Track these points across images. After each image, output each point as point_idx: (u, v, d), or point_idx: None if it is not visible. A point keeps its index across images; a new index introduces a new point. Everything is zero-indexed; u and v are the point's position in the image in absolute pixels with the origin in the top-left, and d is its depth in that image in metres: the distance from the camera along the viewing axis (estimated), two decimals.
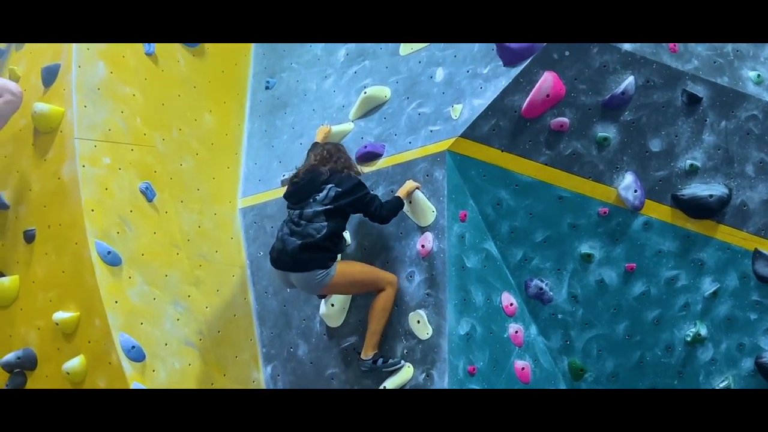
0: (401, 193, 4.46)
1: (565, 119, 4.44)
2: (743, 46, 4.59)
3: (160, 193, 4.97)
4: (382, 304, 4.36)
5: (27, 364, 4.85)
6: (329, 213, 4.25)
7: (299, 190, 4.37)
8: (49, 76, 4.92)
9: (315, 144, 4.68)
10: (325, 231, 4.22)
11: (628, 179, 4.51)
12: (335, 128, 4.95)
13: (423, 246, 4.44)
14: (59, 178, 4.73)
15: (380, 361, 4.37)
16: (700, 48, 4.52)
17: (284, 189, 4.56)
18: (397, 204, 4.42)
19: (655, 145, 4.49)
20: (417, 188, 4.47)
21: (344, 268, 4.33)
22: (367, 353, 4.38)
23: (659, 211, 4.54)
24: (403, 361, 4.38)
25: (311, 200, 4.29)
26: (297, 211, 4.32)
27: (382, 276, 4.41)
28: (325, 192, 4.29)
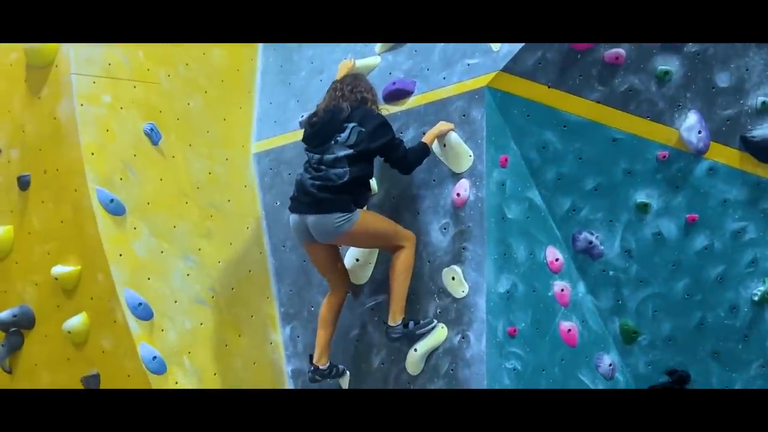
0: (428, 138, 4.21)
1: (620, 50, 4.22)
2: None
3: (166, 135, 4.83)
4: (404, 264, 4.20)
5: (24, 322, 4.84)
6: (351, 158, 4.01)
7: (319, 132, 4.13)
8: None
9: (333, 82, 4.40)
10: (347, 177, 4.00)
11: (692, 119, 4.31)
12: (359, 62, 4.68)
13: (458, 195, 4.26)
14: (55, 118, 4.63)
15: (411, 324, 4.18)
16: None
17: (302, 131, 4.31)
18: (422, 151, 4.18)
19: (723, 80, 4.27)
20: (451, 130, 4.21)
21: (367, 218, 4.13)
22: (396, 319, 4.18)
23: (726, 155, 4.35)
24: (435, 321, 4.22)
25: (332, 142, 4.05)
26: (317, 156, 4.08)
27: (401, 232, 4.23)
28: (347, 132, 4.04)
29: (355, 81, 4.22)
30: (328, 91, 4.33)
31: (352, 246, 4.35)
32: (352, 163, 4.00)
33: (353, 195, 4.05)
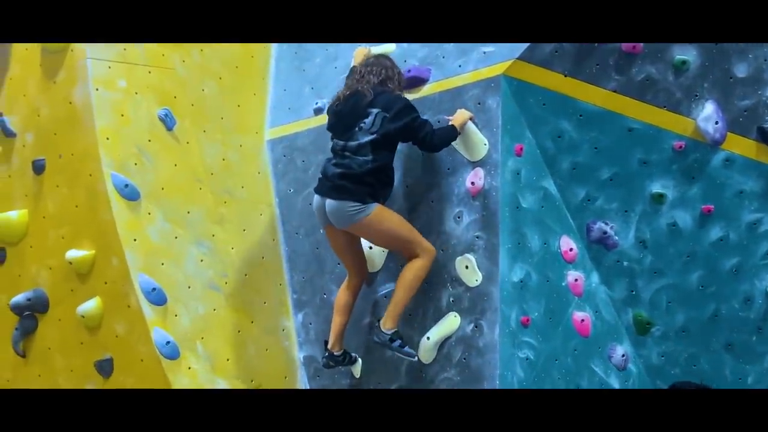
0: (456, 121, 4.15)
1: None
2: None
3: (181, 121, 4.83)
4: (414, 273, 4.11)
5: (38, 306, 4.84)
6: (375, 144, 3.96)
7: (342, 119, 4.09)
8: None
9: (353, 68, 4.36)
10: (369, 166, 3.95)
11: (709, 109, 4.26)
12: (375, 49, 4.65)
13: (473, 183, 4.23)
14: (70, 103, 4.62)
15: (397, 343, 4.13)
16: None
17: (316, 118, 4.35)
18: (450, 133, 4.12)
19: (741, 71, 4.21)
20: (470, 119, 4.19)
21: (384, 214, 4.06)
22: (387, 325, 4.13)
23: (743, 146, 4.29)
24: (416, 356, 4.21)
25: (357, 129, 4.01)
26: (341, 143, 4.05)
27: (421, 241, 4.13)
28: (372, 117, 3.99)
29: (376, 63, 4.16)
30: (348, 76, 4.29)
31: (365, 238, 4.33)
32: (376, 150, 3.95)
33: (372, 187, 3.99)
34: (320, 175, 4.16)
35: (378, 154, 3.97)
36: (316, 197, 4.16)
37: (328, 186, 4.05)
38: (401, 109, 3.99)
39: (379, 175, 4.00)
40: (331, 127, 4.18)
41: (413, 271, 4.12)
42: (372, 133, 3.97)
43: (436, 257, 4.22)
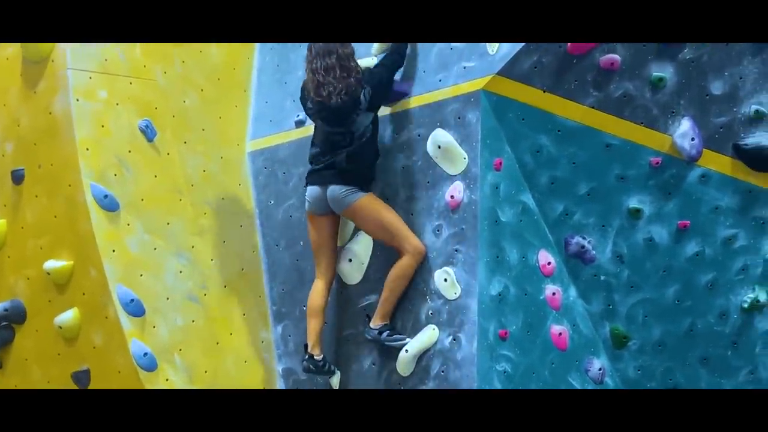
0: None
1: (616, 56, 4.26)
2: None
3: (162, 132, 4.91)
4: (401, 271, 4.30)
5: (15, 317, 4.90)
6: (374, 116, 4.36)
7: (337, 112, 4.30)
8: None
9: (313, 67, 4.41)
10: (367, 140, 4.34)
11: (685, 126, 4.35)
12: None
13: (452, 197, 4.31)
14: (50, 113, 4.70)
15: (385, 333, 4.31)
16: None
17: (297, 130, 4.49)
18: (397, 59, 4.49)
19: (717, 88, 4.31)
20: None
21: (374, 201, 4.37)
22: (376, 322, 4.34)
23: (718, 163, 4.39)
24: (407, 339, 4.33)
25: (355, 116, 4.30)
26: (341, 130, 4.33)
27: (410, 237, 4.31)
28: (364, 98, 4.31)
29: (343, 55, 4.29)
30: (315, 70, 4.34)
31: (359, 223, 4.46)
32: (373, 123, 4.32)
33: (370, 170, 4.40)
34: (315, 168, 4.35)
35: (374, 126, 4.33)
36: (314, 188, 4.36)
37: (332, 173, 4.29)
38: (371, 74, 4.35)
39: (370, 157, 4.38)
40: (326, 120, 4.34)
41: (400, 269, 4.27)
42: (367, 111, 4.28)
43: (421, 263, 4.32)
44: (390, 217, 4.33)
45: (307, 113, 4.52)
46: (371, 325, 4.32)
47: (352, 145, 4.27)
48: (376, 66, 4.37)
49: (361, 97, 4.26)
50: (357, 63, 4.33)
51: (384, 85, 4.34)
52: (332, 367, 4.49)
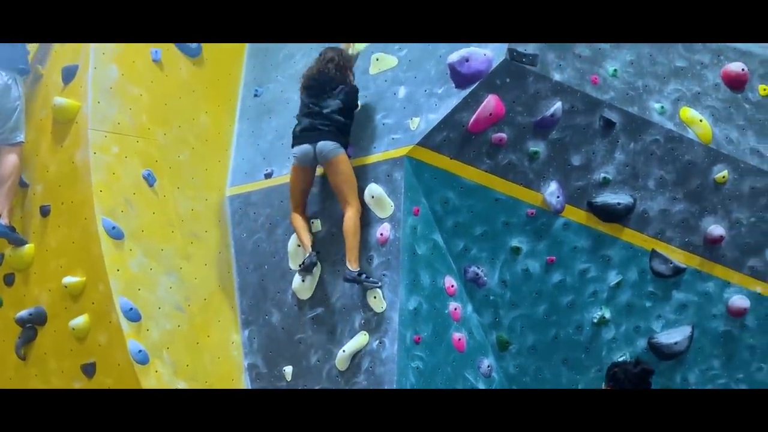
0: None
1: (503, 135, 4.68)
2: (651, 82, 4.89)
3: (160, 179, 5.13)
4: (353, 222, 4.58)
5: (38, 320, 5.01)
6: (342, 108, 4.74)
7: (320, 83, 4.76)
8: (69, 74, 5.15)
9: (323, 52, 4.88)
10: (341, 120, 4.68)
11: (553, 186, 4.78)
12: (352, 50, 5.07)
13: (382, 234, 4.66)
14: (73, 163, 4.92)
15: (364, 276, 4.56)
16: (616, 82, 4.85)
17: (266, 181, 4.77)
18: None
19: (576, 160, 4.79)
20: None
21: (348, 159, 4.70)
22: (353, 265, 4.55)
23: (576, 215, 4.81)
24: (381, 283, 4.55)
25: (327, 97, 4.69)
26: (319, 103, 4.71)
27: (357, 195, 4.67)
28: (338, 91, 4.73)
29: (338, 56, 4.80)
30: (319, 59, 4.83)
31: (331, 176, 4.71)
32: (341, 111, 4.69)
33: (344, 133, 4.70)
34: (303, 130, 4.67)
35: (344, 114, 4.70)
36: (303, 146, 4.67)
37: (318, 132, 4.62)
38: (350, 90, 4.82)
39: (345, 127, 4.73)
40: (309, 88, 4.79)
41: (350, 220, 4.58)
42: (340, 100, 4.70)
43: (352, 289, 4.56)
44: (353, 175, 4.67)
45: (301, 97, 4.86)
46: (350, 268, 4.49)
47: (331, 116, 4.62)
48: (353, 94, 4.83)
49: (340, 86, 4.68)
50: (352, 71, 4.83)
51: (354, 96, 4.78)
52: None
